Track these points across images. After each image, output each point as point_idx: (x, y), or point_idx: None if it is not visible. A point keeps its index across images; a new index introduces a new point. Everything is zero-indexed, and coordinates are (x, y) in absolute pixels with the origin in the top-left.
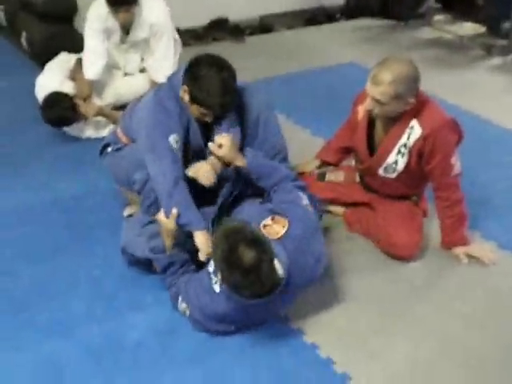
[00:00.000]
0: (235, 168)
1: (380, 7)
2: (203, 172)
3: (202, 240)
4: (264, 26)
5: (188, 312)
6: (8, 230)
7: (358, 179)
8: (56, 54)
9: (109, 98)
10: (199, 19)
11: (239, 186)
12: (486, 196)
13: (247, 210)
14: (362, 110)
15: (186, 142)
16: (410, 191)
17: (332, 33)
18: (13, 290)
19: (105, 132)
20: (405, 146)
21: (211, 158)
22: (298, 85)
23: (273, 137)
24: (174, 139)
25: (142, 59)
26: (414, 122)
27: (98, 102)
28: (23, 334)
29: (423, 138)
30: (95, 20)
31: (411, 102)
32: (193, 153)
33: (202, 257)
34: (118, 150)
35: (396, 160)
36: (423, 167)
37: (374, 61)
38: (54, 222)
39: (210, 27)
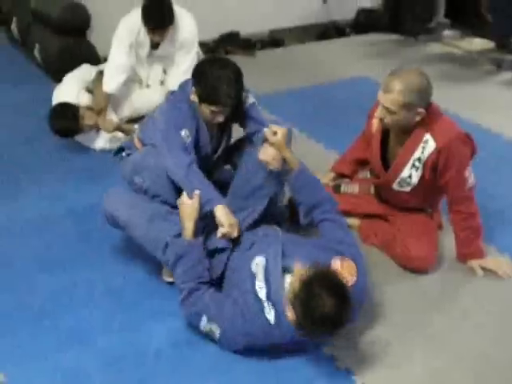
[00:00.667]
0: (280, 173)
1: (390, 22)
2: (273, 155)
3: (222, 212)
4: (274, 40)
5: (218, 333)
6: (24, 240)
7: (372, 191)
8: (69, 66)
9: (125, 111)
10: (211, 33)
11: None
12: (499, 209)
13: (304, 245)
14: (375, 123)
15: (194, 147)
16: (425, 204)
17: (342, 47)
18: (31, 299)
19: (118, 144)
20: (419, 160)
21: (265, 146)
22: (309, 99)
23: None
24: (185, 133)
25: (164, 71)
26: (428, 136)
27: (113, 116)
28: (43, 343)
29: (437, 152)
30: (126, 34)
31: (421, 113)
32: (199, 160)
33: (220, 232)
34: (129, 155)
35: (410, 174)
36: (437, 181)
37: (384, 75)
38: (69, 232)
39: (221, 41)
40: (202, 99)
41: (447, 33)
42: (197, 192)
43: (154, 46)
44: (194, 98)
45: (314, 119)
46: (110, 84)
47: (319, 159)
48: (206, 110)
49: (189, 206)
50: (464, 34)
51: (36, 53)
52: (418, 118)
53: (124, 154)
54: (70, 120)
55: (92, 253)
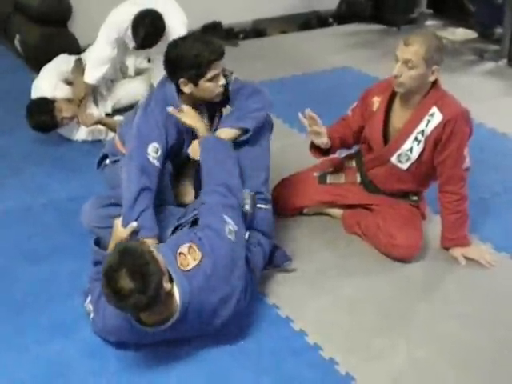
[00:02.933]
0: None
1: (372, 12)
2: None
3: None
4: (257, 30)
5: (92, 316)
6: (5, 231)
7: (359, 179)
8: (50, 56)
9: (108, 103)
10: (193, 23)
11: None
12: (481, 198)
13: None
14: (376, 101)
15: (178, 149)
16: (415, 187)
17: (325, 37)
18: (13, 291)
19: (100, 135)
20: (422, 133)
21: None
22: (293, 89)
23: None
24: (153, 148)
25: (148, 60)
26: (435, 109)
27: (94, 109)
28: (26, 334)
29: (443, 124)
30: (114, 28)
31: (436, 71)
32: (185, 159)
33: None
34: (115, 162)
35: (411, 147)
36: (435, 157)
37: (367, 65)
38: (50, 223)
39: (203, 31)
40: (195, 78)
41: (430, 23)
42: (133, 224)
43: None
44: (187, 88)
45: (296, 109)
46: (92, 75)
47: (302, 149)
48: (205, 85)
49: (120, 232)
50: (446, 24)
51: (16, 43)
52: (431, 79)
53: (108, 161)
54: (45, 114)
55: (74, 244)
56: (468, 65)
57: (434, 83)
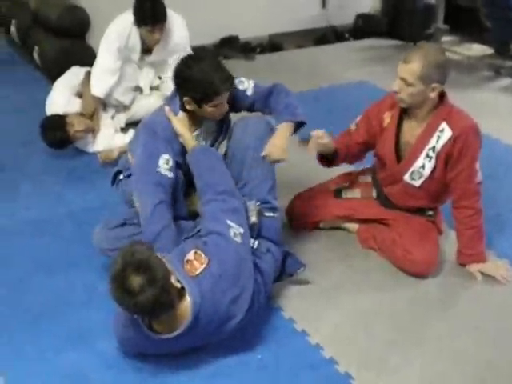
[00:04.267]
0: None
1: (388, 28)
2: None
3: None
4: (274, 44)
5: None
6: (23, 242)
7: (374, 195)
8: (68, 69)
9: (121, 120)
10: (210, 37)
11: None
12: (497, 214)
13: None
14: (387, 116)
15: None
16: (430, 203)
17: (341, 52)
18: (29, 301)
19: (116, 143)
20: (433, 149)
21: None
22: (307, 103)
23: None
24: (164, 160)
25: (159, 77)
26: (444, 125)
27: (109, 123)
28: (42, 344)
29: (453, 140)
30: (115, 38)
31: (437, 89)
32: (185, 181)
33: None
34: (129, 176)
35: (423, 164)
36: (448, 173)
37: (383, 80)
38: (68, 234)
39: (220, 45)
40: (200, 101)
41: (446, 38)
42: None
43: (146, 51)
44: (190, 106)
45: (311, 123)
46: (98, 87)
47: (316, 162)
48: (208, 109)
49: None
50: (463, 40)
51: (35, 55)
52: (432, 95)
53: (122, 176)
54: (58, 130)
55: (90, 255)
56: (484, 81)
57: (442, 98)
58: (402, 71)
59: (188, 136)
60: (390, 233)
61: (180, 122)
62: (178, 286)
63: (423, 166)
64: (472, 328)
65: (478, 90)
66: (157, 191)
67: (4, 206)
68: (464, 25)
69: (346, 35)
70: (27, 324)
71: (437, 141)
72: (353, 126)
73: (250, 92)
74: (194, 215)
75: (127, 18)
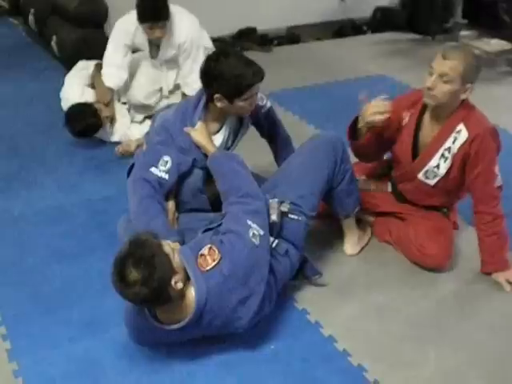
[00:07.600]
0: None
1: (407, 21)
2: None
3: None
4: (291, 36)
5: None
6: (40, 230)
7: (389, 189)
8: (86, 58)
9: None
10: (228, 28)
11: None
12: None
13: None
14: (406, 115)
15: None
16: (444, 202)
17: (359, 45)
18: (44, 289)
19: (133, 133)
20: (449, 150)
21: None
22: (325, 96)
23: None
24: (163, 161)
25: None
26: (461, 126)
27: (126, 116)
28: (56, 332)
29: (469, 142)
30: (122, 34)
31: (469, 90)
32: (188, 192)
33: None
34: None
35: (438, 164)
36: (466, 177)
37: (401, 74)
38: (84, 222)
39: (238, 36)
40: (233, 96)
41: (464, 33)
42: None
43: (154, 50)
44: (222, 103)
45: (329, 116)
46: (112, 80)
47: None
48: (239, 103)
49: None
50: (481, 35)
51: (53, 44)
52: (463, 96)
53: None
54: (90, 117)
55: (107, 244)
56: (502, 76)
57: (463, 100)
58: (443, 66)
59: (209, 146)
60: (405, 227)
61: (199, 135)
62: (180, 286)
63: (438, 166)
64: (488, 322)
65: (496, 85)
66: (145, 187)
67: (21, 194)
68: (483, 19)
69: (364, 28)
70: (42, 311)
71: (453, 142)
72: None
73: (263, 110)
74: (216, 198)
75: (132, 16)
